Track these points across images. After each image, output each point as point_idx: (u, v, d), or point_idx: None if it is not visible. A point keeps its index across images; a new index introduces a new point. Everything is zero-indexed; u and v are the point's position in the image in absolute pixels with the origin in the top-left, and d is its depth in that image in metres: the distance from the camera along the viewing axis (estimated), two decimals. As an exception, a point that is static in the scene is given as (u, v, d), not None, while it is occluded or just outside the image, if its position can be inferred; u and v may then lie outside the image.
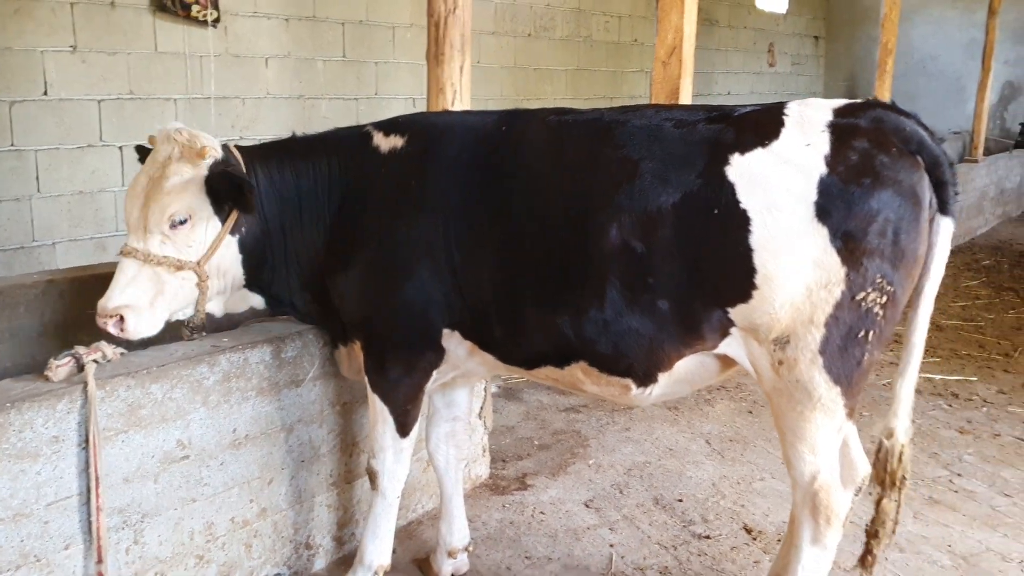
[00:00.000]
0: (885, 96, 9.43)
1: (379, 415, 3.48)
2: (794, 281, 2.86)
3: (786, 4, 14.52)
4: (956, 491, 4.82)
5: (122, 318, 3.13)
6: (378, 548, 3.67)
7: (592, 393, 3.36)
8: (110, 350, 3.17)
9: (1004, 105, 15.94)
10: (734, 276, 2.91)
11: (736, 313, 2.96)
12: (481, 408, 4.73)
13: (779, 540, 4.23)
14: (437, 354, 3.40)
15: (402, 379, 3.42)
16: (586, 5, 11.21)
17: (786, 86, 16.29)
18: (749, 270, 2.88)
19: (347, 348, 3.63)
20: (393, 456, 3.53)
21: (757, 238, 2.86)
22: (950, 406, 6.07)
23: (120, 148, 6.86)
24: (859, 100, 3.07)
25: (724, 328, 3.02)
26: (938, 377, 6.61)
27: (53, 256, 6.62)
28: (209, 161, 3.23)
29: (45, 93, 6.40)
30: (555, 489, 4.77)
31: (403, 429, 3.51)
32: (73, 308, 4.09)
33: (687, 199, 2.92)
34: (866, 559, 3.32)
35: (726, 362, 3.19)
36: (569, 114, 3.34)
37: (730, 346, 3.07)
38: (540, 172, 3.19)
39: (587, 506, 4.59)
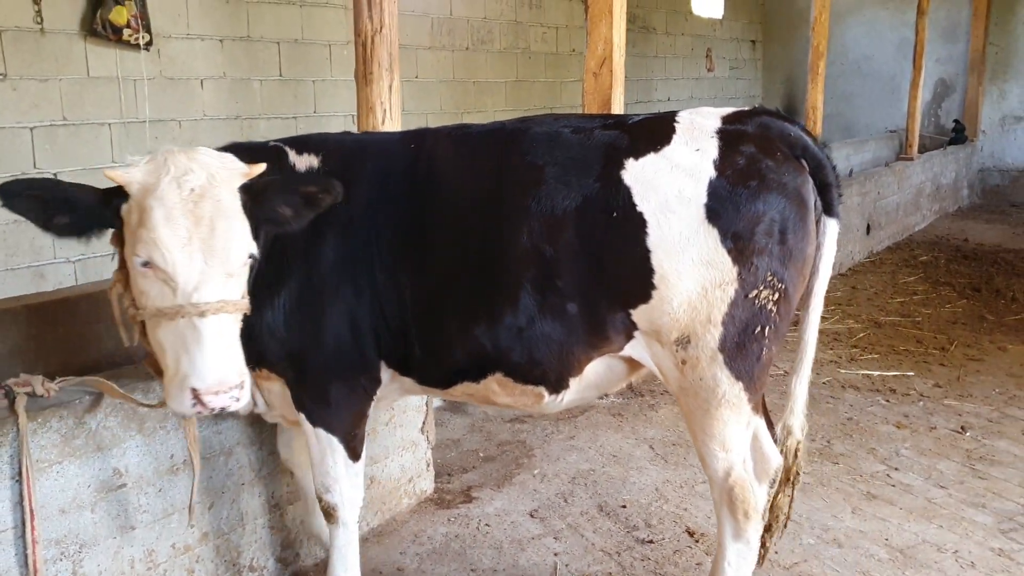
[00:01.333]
0: (818, 98, 9.62)
1: (326, 447, 3.41)
2: (690, 281, 3.00)
3: (722, 9, 14.78)
4: (893, 485, 4.94)
5: (242, 383, 2.75)
6: None
7: (504, 404, 3.42)
8: (40, 385, 3.14)
9: (938, 103, 16.28)
10: (634, 277, 3.03)
11: (638, 315, 3.08)
12: (423, 423, 4.76)
13: (720, 541, 4.31)
14: (373, 377, 3.40)
15: (344, 401, 3.38)
16: (523, 17, 11.30)
17: (725, 90, 16.55)
18: (647, 271, 3.01)
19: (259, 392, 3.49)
20: (349, 484, 3.48)
21: (653, 240, 2.99)
22: (888, 401, 6.21)
23: (55, 175, 6.77)
24: (746, 108, 3.26)
25: (628, 330, 3.13)
26: (876, 374, 6.76)
27: (-11, 287, 6.51)
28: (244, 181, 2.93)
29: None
30: (500, 500, 4.80)
31: (354, 454, 3.48)
32: (5, 340, 4.05)
33: (588, 202, 3.03)
34: (759, 552, 3.43)
35: (632, 365, 3.31)
36: (472, 127, 3.44)
37: (635, 348, 3.19)
38: (451, 184, 3.24)
39: (532, 516, 4.64)
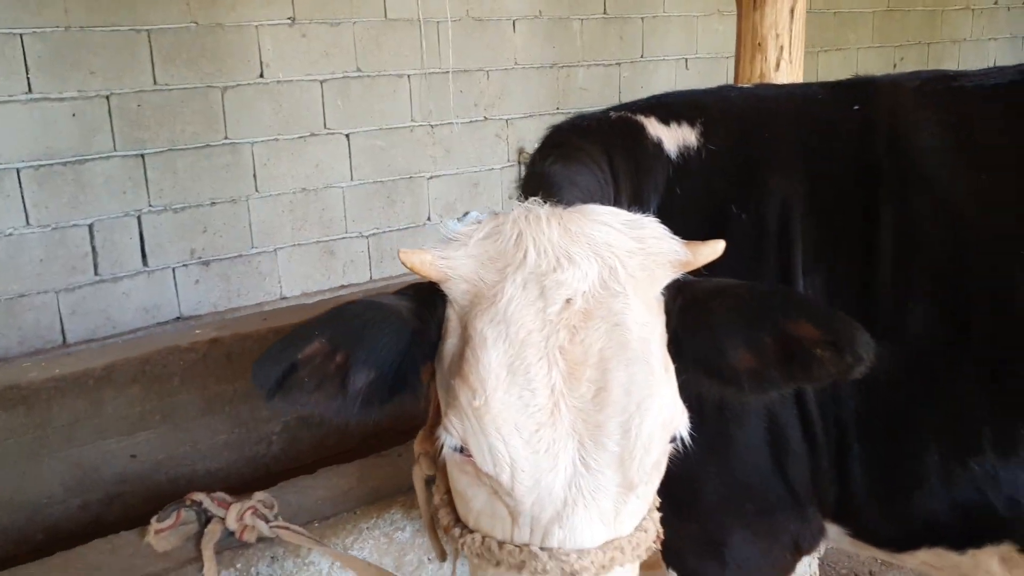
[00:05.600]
0: None
1: None
2: None
3: None
4: None
5: None
6: None
7: None
8: (235, 518, 1.93)
9: None
10: None
11: None
12: None
13: None
14: (809, 526, 1.98)
15: (753, 562, 2.03)
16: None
17: None
18: None
19: None
20: None
21: None
22: None
23: (347, 136, 5.89)
24: None
25: None
26: None
27: (275, 264, 5.79)
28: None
29: (261, 75, 5.47)
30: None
31: None
32: (244, 375, 2.98)
33: None
34: None
35: None
36: (962, 78, 2.01)
37: None
38: (945, 188, 1.82)
39: None
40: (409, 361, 1.45)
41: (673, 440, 1.40)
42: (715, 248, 1.44)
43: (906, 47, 9.42)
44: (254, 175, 5.59)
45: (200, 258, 5.46)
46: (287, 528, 1.95)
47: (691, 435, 1.64)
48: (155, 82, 5.12)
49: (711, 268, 1.52)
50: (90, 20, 4.83)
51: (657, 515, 1.48)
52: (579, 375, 1.30)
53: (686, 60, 7.64)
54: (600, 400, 1.30)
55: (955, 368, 1.74)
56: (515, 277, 1.35)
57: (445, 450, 1.40)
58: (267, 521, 1.95)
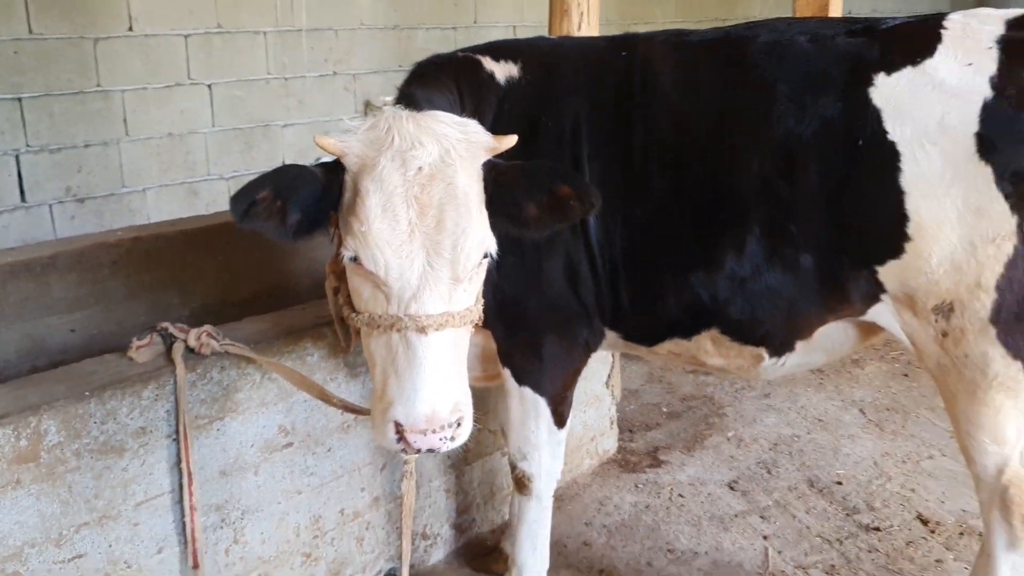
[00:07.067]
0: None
1: (530, 409, 2.97)
2: (954, 233, 2.39)
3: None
4: None
5: (460, 421, 2.22)
6: (538, 560, 3.23)
7: (715, 366, 2.92)
8: (194, 338, 2.68)
9: None
10: (882, 225, 2.46)
11: (886, 273, 2.50)
12: (609, 376, 4.21)
13: (961, 533, 3.65)
14: (595, 330, 2.88)
15: (559, 357, 2.91)
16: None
17: (938, 4, 14.91)
18: (899, 217, 2.42)
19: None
20: (549, 453, 3.06)
21: (908, 178, 2.40)
22: None
23: (209, 86, 6.43)
24: None
25: (873, 292, 2.55)
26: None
27: (144, 203, 6.26)
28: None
29: (130, 29, 5.97)
30: (693, 467, 4.24)
31: (560, 419, 3.04)
32: (160, 267, 3.68)
33: (827, 128, 2.49)
34: None
35: (871, 328, 2.72)
36: (690, 35, 2.86)
37: (880, 314, 2.62)
38: (668, 104, 2.69)
39: (732, 488, 4.06)
40: (323, 206, 2.29)
41: (486, 256, 2.26)
42: (511, 140, 2.30)
43: (705, 23, 10.60)
44: (124, 120, 6.05)
45: (75, 196, 5.89)
46: (233, 345, 2.73)
47: (517, 268, 2.61)
48: (31, 31, 5.53)
49: (529, 157, 2.44)
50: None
51: (481, 304, 2.36)
52: (426, 213, 2.15)
53: (514, 27, 8.40)
54: (439, 227, 2.15)
55: (679, 217, 2.65)
56: (387, 153, 2.17)
57: (345, 261, 2.24)
58: (217, 341, 2.72)
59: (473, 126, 2.32)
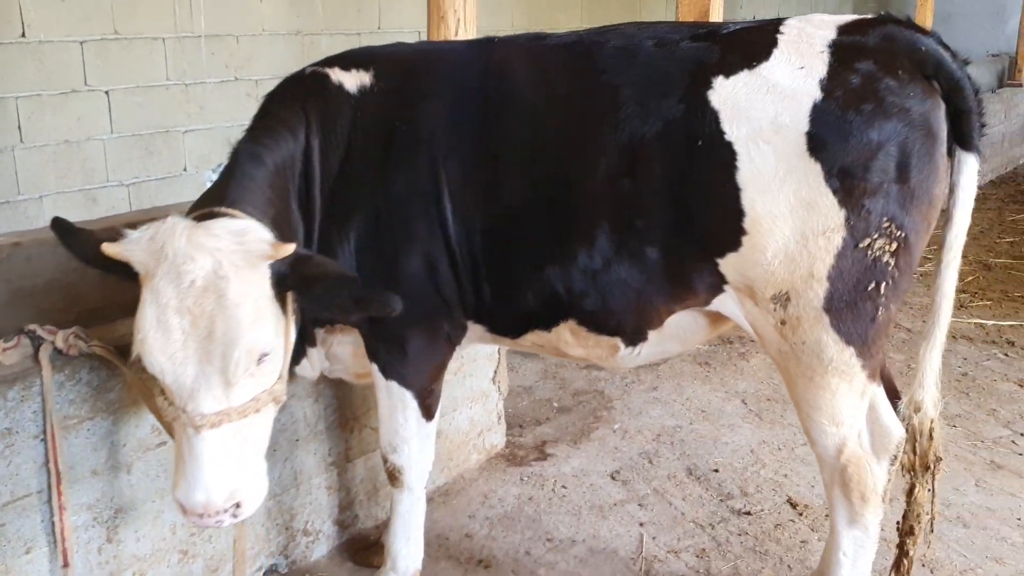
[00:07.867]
0: (927, 15, 8.76)
1: (397, 403, 3.07)
2: (787, 227, 2.54)
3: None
4: (1021, 454, 4.40)
5: (238, 504, 2.40)
6: (412, 551, 3.32)
7: (576, 356, 3.05)
8: (62, 339, 2.71)
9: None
10: (721, 220, 2.60)
11: (727, 265, 2.65)
12: (495, 372, 4.33)
13: (827, 516, 3.83)
14: (457, 324, 3.00)
15: (423, 351, 3.02)
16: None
17: (815, 8, 15.49)
18: (737, 213, 2.56)
19: (324, 347, 3.15)
20: (419, 445, 3.16)
21: (744, 175, 2.54)
22: (1006, 355, 5.61)
23: (107, 93, 6.39)
24: (871, 16, 2.68)
25: (716, 283, 2.71)
26: (990, 323, 6.13)
27: (40, 210, 6.20)
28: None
29: (23, 35, 5.92)
30: (578, 459, 4.38)
31: (428, 412, 3.14)
32: (43, 274, 3.68)
33: (669, 129, 2.61)
34: (901, 563, 2.96)
35: (719, 318, 2.89)
36: (547, 38, 2.97)
37: (724, 304, 2.78)
38: (522, 105, 2.82)
39: (613, 478, 4.20)
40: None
41: (264, 356, 2.36)
42: (289, 248, 2.35)
43: (611, 27, 10.80)
44: (19, 127, 6.00)
45: (-31, 203, 5.86)
46: (101, 347, 2.77)
47: (376, 266, 2.71)
48: (-82, 37, 5.48)
49: (386, 164, 2.55)
50: None
51: (285, 380, 2.51)
52: (198, 323, 2.26)
53: (419, 32, 8.49)
54: (210, 337, 2.26)
55: (534, 213, 2.74)
56: (163, 267, 2.27)
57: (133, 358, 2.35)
58: (86, 343, 2.76)
59: (252, 233, 2.39)
